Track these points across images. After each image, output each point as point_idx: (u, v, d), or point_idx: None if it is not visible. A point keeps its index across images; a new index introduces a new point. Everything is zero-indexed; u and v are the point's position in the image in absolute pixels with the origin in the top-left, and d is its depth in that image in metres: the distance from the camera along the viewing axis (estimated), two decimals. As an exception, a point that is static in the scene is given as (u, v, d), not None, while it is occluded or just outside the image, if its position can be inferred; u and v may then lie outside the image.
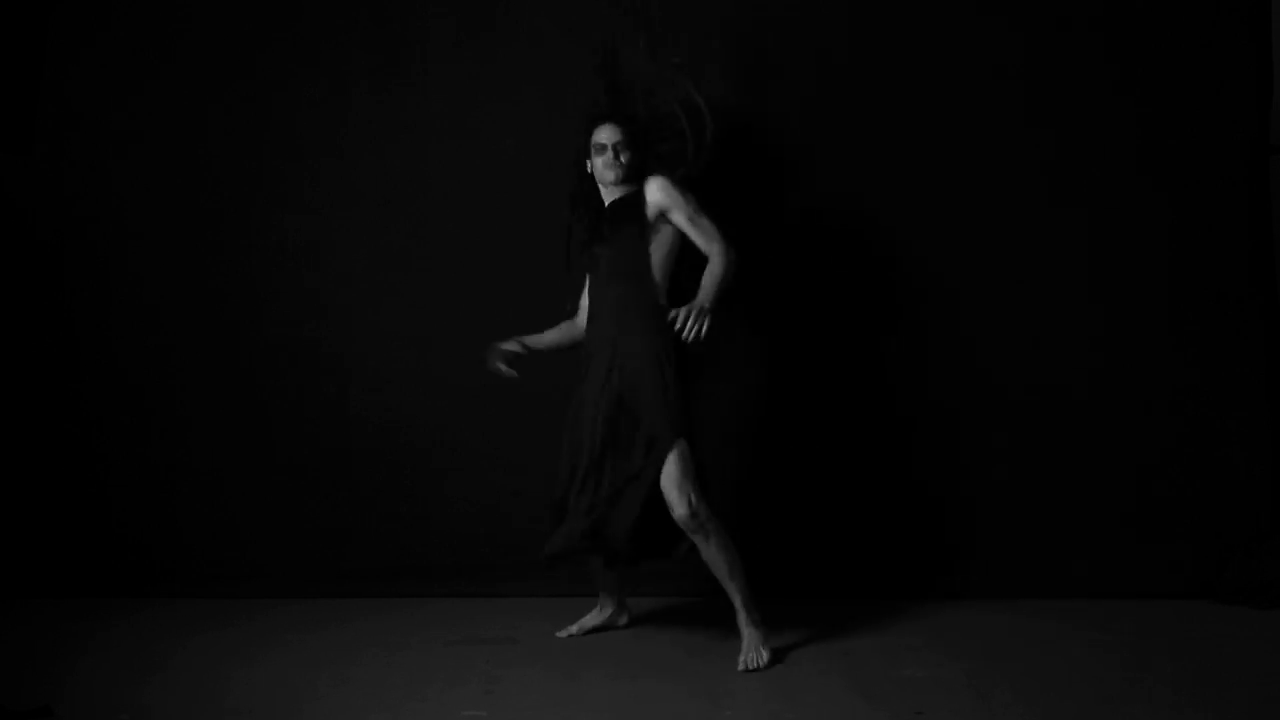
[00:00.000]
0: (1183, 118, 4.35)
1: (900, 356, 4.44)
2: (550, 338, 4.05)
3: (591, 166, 3.94)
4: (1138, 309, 4.39)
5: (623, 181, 3.90)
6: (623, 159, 3.87)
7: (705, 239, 3.80)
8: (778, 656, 3.71)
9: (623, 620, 4.07)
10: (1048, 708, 3.31)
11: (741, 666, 3.64)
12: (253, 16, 4.53)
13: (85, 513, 4.54)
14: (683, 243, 3.86)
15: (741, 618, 3.74)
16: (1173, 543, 4.33)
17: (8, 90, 4.49)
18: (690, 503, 3.62)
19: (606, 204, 3.93)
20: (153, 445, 4.55)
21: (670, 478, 3.64)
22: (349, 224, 4.53)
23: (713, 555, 3.69)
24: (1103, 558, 4.35)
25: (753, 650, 3.69)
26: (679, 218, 3.82)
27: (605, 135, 3.88)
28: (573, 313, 4.06)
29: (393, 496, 4.51)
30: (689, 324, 3.55)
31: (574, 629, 3.99)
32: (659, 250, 3.85)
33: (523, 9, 4.49)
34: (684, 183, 3.87)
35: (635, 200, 3.87)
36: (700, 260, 3.79)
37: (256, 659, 3.75)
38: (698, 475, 3.68)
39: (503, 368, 3.96)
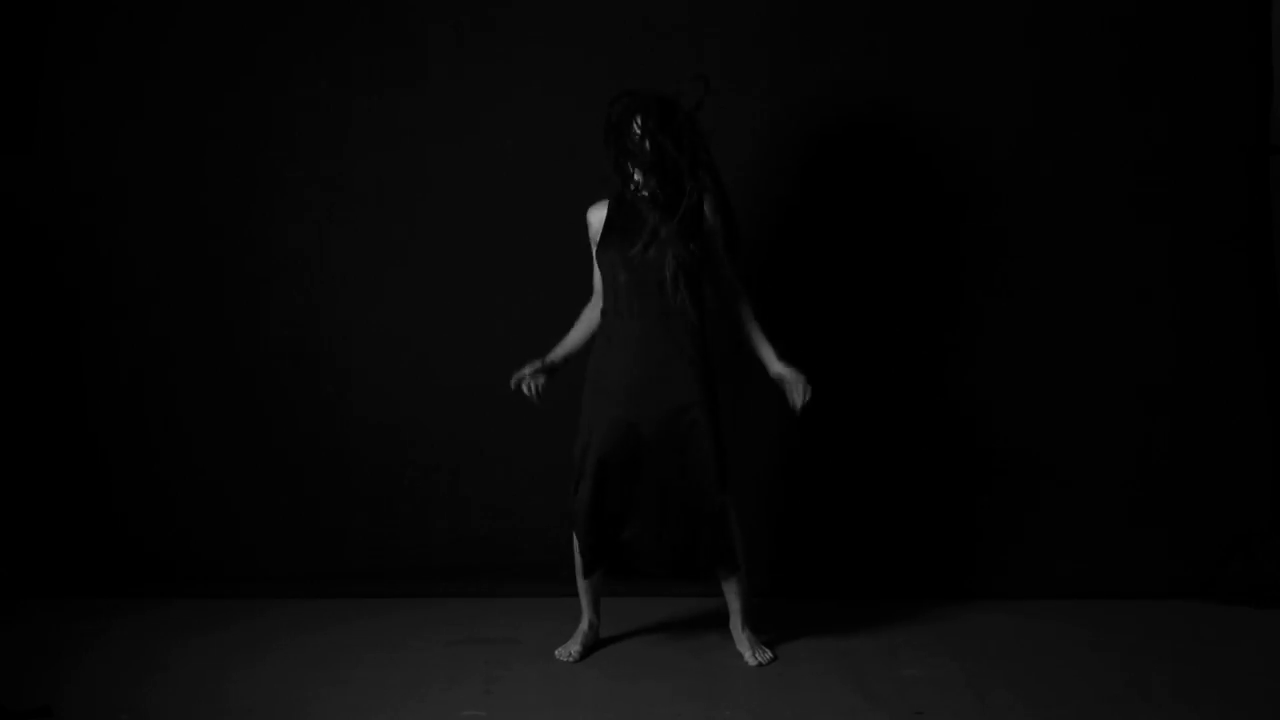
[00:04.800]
0: (1183, 118, 4.36)
1: (902, 357, 4.44)
2: (574, 341, 3.81)
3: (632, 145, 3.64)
4: (1137, 308, 4.39)
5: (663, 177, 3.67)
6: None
7: (736, 277, 3.75)
8: (776, 655, 3.76)
9: (600, 630, 3.95)
10: (1047, 708, 3.31)
11: (755, 662, 3.69)
12: (251, 18, 4.51)
13: (85, 512, 4.52)
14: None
15: (739, 620, 3.78)
16: (1173, 543, 4.33)
17: (7, 89, 4.48)
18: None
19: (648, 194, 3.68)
20: (152, 444, 4.54)
21: None
22: (348, 224, 4.52)
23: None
24: (1102, 558, 4.35)
25: (756, 647, 3.74)
26: (718, 244, 3.73)
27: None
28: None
29: (393, 496, 4.49)
30: (801, 396, 3.65)
31: (575, 651, 3.80)
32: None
33: (523, 9, 4.47)
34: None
35: (696, 207, 3.67)
36: None
37: (257, 659, 3.74)
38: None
39: (530, 390, 3.71)
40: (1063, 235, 4.41)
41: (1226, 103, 4.36)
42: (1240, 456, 4.35)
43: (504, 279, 4.46)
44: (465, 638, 3.95)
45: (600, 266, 3.77)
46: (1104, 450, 4.40)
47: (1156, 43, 4.36)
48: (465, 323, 4.46)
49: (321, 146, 4.51)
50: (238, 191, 4.54)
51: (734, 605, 3.79)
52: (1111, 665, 3.64)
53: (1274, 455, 4.35)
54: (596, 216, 3.80)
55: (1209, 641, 3.85)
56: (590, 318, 3.83)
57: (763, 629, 3.88)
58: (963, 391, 4.43)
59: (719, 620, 3.87)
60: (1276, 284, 4.39)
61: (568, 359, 3.81)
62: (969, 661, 3.66)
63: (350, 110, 4.51)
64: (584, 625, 3.87)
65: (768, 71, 4.44)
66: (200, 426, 4.54)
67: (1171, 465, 4.37)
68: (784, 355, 3.80)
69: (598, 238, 3.77)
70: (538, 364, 3.74)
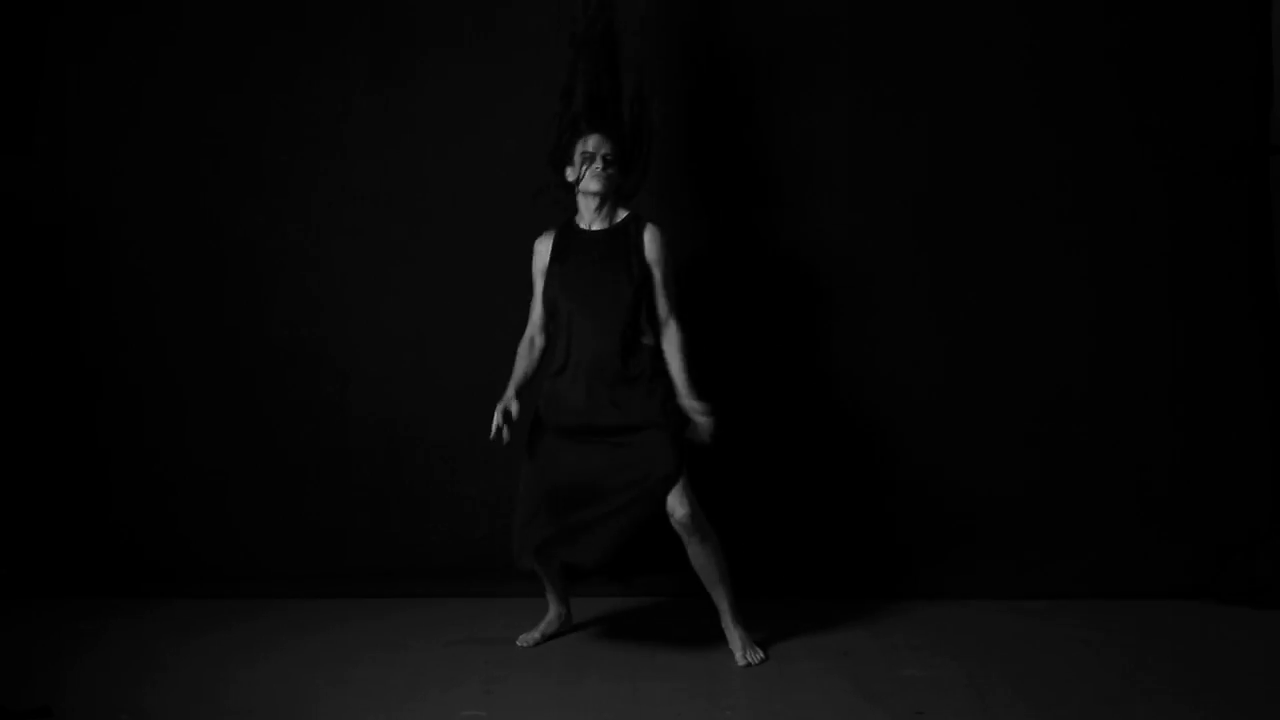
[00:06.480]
0: (1182, 118, 4.38)
1: (899, 356, 4.46)
2: (521, 374, 3.86)
3: (574, 172, 3.84)
4: (1137, 308, 4.42)
5: (604, 200, 3.83)
6: (610, 172, 3.81)
7: (667, 309, 3.80)
8: (768, 654, 3.78)
9: (569, 621, 4.04)
10: (1047, 708, 3.32)
11: (744, 662, 3.71)
12: (252, 17, 4.55)
13: (85, 512, 4.55)
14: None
15: (728, 619, 3.81)
16: (1173, 543, 4.35)
17: (7, 90, 4.50)
18: (690, 506, 3.66)
19: (586, 225, 3.85)
20: (152, 444, 4.57)
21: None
22: (349, 222, 4.55)
23: (705, 558, 3.74)
24: (1102, 558, 4.36)
25: (747, 647, 3.76)
26: (656, 275, 3.79)
27: (594, 144, 3.83)
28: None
29: (392, 496, 4.52)
30: (707, 432, 3.70)
31: (537, 635, 3.93)
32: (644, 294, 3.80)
33: (523, 10, 4.50)
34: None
35: (628, 235, 3.81)
36: None
37: (256, 659, 3.77)
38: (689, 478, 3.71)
39: (503, 431, 3.77)
40: (1063, 235, 4.43)
41: (1226, 103, 4.38)
42: (1240, 457, 4.37)
43: (504, 279, 4.46)
44: (465, 638, 3.97)
45: (545, 298, 3.85)
46: (1104, 450, 4.41)
47: (1156, 43, 4.39)
48: (465, 323, 4.49)
49: (322, 146, 4.54)
50: (238, 191, 4.56)
51: (721, 605, 3.81)
52: (1111, 665, 3.66)
53: (1274, 456, 4.36)
54: (544, 246, 3.89)
55: (1209, 641, 3.87)
56: (530, 350, 3.90)
57: (760, 628, 3.90)
58: (964, 391, 4.45)
59: (718, 620, 3.87)
60: (1276, 284, 4.40)
61: (519, 393, 3.82)
62: (969, 661, 3.68)
63: (351, 110, 4.54)
64: (550, 615, 3.98)
65: (767, 72, 4.45)
66: (200, 426, 4.56)
67: (1172, 466, 4.39)
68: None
69: (544, 269, 3.86)
70: (499, 415, 3.77)
